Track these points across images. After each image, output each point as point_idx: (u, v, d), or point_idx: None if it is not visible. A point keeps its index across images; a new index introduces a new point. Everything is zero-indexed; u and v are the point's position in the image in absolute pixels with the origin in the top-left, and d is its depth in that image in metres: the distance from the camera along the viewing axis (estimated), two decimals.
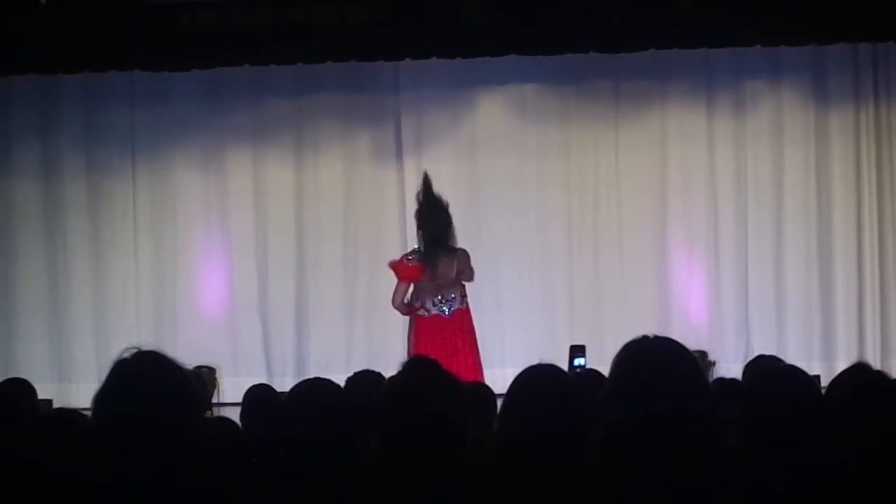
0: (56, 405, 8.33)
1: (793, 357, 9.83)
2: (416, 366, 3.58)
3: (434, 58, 11.47)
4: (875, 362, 10.44)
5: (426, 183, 9.88)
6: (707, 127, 12.16)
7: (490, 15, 10.57)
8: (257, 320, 12.28)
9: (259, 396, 5.91)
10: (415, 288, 9.71)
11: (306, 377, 3.98)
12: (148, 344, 3.15)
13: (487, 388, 5.71)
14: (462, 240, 9.94)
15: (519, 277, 12.15)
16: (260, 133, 12.29)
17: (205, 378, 10.65)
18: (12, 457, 3.60)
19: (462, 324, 9.69)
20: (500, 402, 3.63)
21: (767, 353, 7.99)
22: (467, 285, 9.76)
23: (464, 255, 9.71)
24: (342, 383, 4.36)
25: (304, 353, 12.20)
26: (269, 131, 12.28)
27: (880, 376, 3.94)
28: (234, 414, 5.59)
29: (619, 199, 12.20)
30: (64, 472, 3.09)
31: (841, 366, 6.38)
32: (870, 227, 11.99)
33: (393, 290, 9.71)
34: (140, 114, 12.30)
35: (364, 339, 12.14)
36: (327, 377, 3.75)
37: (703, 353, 10.95)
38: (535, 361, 3.58)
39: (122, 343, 3.25)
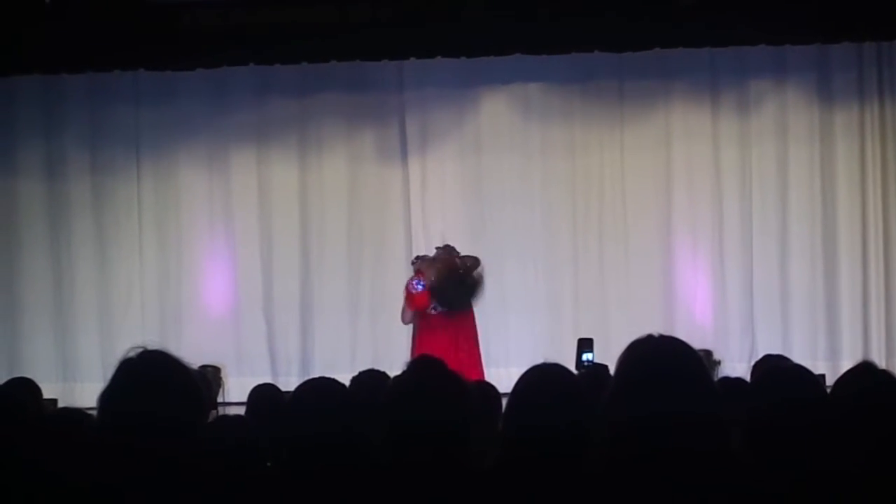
0: (61, 404, 8.32)
1: (798, 356, 9.83)
2: (421, 365, 3.58)
3: (438, 57, 11.47)
4: (880, 361, 10.43)
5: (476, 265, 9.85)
6: (712, 126, 12.16)
7: (494, 14, 10.57)
8: (262, 319, 12.28)
9: (264, 396, 5.92)
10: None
11: (311, 376, 3.98)
12: (153, 343, 3.15)
13: (492, 387, 5.72)
14: (466, 238, 9.96)
15: (524, 276, 12.15)
16: (264, 132, 12.30)
17: (210, 377, 10.67)
18: (18, 456, 3.60)
19: (465, 321, 9.72)
20: (504, 401, 3.63)
21: (772, 351, 8.00)
22: None
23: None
24: (347, 382, 4.36)
25: (309, 352, 12.21)
26: (273, 130, 12.29)
27: (885, 375, 3.93)
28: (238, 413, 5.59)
29: (623, 198, 12.20)
30: (69, 471, 3.09)
31: (846, 364, 6.38)
32: (874, 225, 11.99)
33: (401, 309, 9.75)
34: (144, 113, 12.31)
35: (369, 338, 12.15)
36: (332, 376, 3.74)
37: (708, 353, 10.96)
38: (540, 360, 3.58)
39: (127, 342, 3.26)
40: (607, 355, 9.39)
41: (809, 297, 12.05)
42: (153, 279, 12.34)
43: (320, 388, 3.63)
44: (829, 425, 3.46)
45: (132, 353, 3.08)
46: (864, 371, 3.93)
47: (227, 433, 4.25)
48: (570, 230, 12.24)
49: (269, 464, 4.10)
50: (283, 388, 6.44)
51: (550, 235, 12.23)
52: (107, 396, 3.05)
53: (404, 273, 11.31)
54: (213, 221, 12.39)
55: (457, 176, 12.21)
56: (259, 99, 12.29)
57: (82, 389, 11.45)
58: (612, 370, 3.20)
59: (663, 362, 3.00)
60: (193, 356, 4.54)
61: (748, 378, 5.69)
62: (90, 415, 3.67)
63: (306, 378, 3.90)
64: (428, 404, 3.35)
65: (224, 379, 11.64)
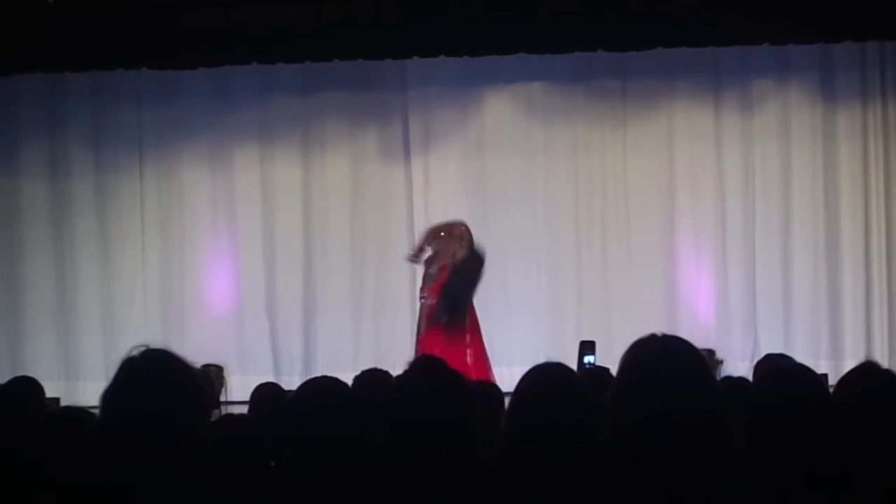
0: (64, 403, 8.34)
1: (800, 355, 9.83)
2: (424, 364, 3.58)
3: (441, 56, 11.47)
4: (882, 360, 10.38)
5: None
6: (714, 125, 12.15)
7: (497, 14, 10.57)
8: (265, 318, 12.29)
9: (266, 395, 5.92)
10: (423, 279, 9.83)
11: (314, 375, 3.98)
12: (156, 342, 3.15)
13: (495, 386, 5.73)
14: None
15: (527, 275, 12.16)
16: (267, 131, 12.31)
17: (212, 376, 10.67)
18: (20, 455, 3.61)
19: (469, 318, 9.74)
20: (507, 400, 3.63)
21: (775, 351, 7.99)
22: None
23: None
24: (350, 382, 4.36)
25: (312, 351, 12.21)
26: (276, 129, 12.30)
27: (888, 375, 3.93)
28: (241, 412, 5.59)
29: (626, 198, 12.20)
30: (71, 470, 3.09)
31: (848, 364, 6.36)
32: (877, 225, 11.99)
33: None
34: (147, 112, 12.31)
35: (371, 336, 12.15)
36: (335, 375, 3.74)
37: (711, 352, 10.97)
38: (542, 359, 3.58)
39: (130, 341, 3.26)
40: (610, 354, 9.41)
41: (812, 296, 12.05)
42: (156, 278, 12.35)
43: (323, 388, 3.63)
44: (831, 425, 3.46)
45: (135, 352, 3.08)
46: (867, 371, 3.93)
47: (230, 432, 4.25)
48: (573, 229, 12.24)
49: (272, 463, 4.10)
50: (286, 387, 6.43)
51: (553, 235, 12.24)
52: (109, 395, 3.05)
53: (407, 272, 11.35)
54: (216, 220, 12.39)
55: (460, 175, 12.21)
56: (262, 98, 12.30)
57: (85, 388, 11.44)
58: (613, 371, 3.20)
59: (666, 362, 3.00)
60: (196, 355, 4.54)
61: (750, 377, 5.69)
62: (93, 414, 3.67)
63: (309, 377, 3.90)
64: (430, 403, 3.34)
65: (227, 378, 11.64)
